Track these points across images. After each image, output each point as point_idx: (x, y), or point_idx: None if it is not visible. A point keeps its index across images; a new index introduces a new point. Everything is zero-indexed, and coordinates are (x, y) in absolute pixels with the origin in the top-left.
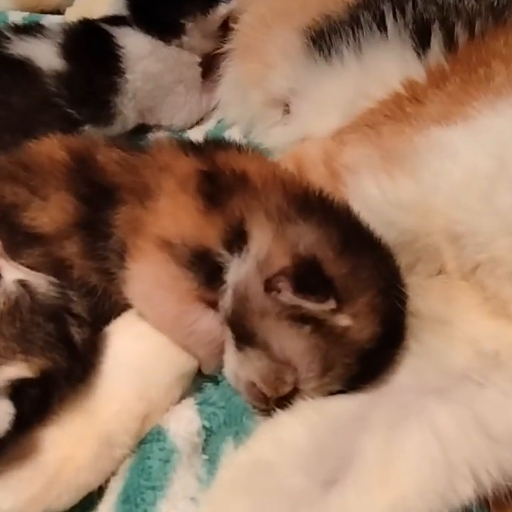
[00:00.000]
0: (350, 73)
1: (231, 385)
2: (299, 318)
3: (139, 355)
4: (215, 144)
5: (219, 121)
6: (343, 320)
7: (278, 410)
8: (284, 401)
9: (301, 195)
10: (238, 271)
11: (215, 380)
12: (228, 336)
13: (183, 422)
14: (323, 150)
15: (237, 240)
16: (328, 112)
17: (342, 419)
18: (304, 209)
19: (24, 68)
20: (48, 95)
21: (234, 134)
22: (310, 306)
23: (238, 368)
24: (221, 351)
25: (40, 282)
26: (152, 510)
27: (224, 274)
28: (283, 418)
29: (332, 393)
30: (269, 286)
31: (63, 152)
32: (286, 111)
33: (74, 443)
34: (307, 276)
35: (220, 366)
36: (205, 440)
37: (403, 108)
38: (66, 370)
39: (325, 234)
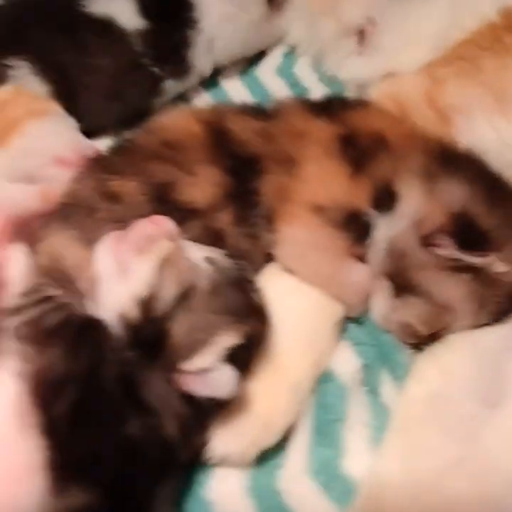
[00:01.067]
0: (440, 1)
1: (376, 325)
2: (458, 268)
3: (301, 309)
4: (341, 103)
5: (286, 54)
6: (501, 267)
7: (431, 344)
8: (434, 336)
9: (440, 150)
10: (389, 228)
11: (357, 320)
12: (382, 285)
13: (346, 362)
14: (424, 90)
15: (385, 200)
16: (415, 44)
17: (492, 349)
18: (447, 164)
19: (108, 28)
20: (134, 55)
21: (303, 67)
22: (472, 260)
23: (391, 311)
24: (367, 297)
25: (218, 256)
26: (338, 438)
27: (372, 231)
28: (443, 351)
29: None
30: (427, 242)
31: (198, 125)
32: (362, 40)
33: (273, 393)
34: (465, 231)
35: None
36: (364, 375)
37: (501, 39)
38: (260, 331)
39: (472, 188)
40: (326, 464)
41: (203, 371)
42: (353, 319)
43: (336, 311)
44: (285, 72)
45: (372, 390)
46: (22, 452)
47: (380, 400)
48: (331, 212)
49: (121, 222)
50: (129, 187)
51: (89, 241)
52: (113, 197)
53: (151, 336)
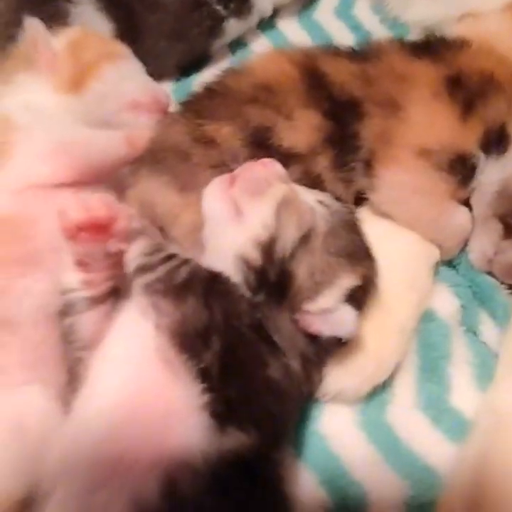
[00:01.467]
0: None
1: (470, 267)
2: None
3: (401, 253)
4: (443, 44)
5: None
6: None
7: None
8: None
9: None
10: (502, 170)
11: (450, 263)
12: (491, 227)
13: (445, 303)
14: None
15: (497, 142)
16: None
17: None
18: None
19: None
20: None
21: (363, 8)
22: None
23: (500, 253)
24: (465, 240)
25: (328, 199)
26: (444, 374)
27: (477, 174)
28: None
29: None
30: None
31: (293, 68)
32: None
33: (383, 333)
34: None
35: None
36: (462, 315)
37: None
38: (373, 273)
39: None
40: (435, 398)
41: (325, 312)
42: (446, 262)
43: (433, 253)
44: (344, 13)
45: (470, 329)
46: (179, 396)
47: (479, 339)
48: (437, 155)
49: (218, 168)
50: (224, 132)
51: (183, 187)
52: (208, 142)
53: (276, 278)
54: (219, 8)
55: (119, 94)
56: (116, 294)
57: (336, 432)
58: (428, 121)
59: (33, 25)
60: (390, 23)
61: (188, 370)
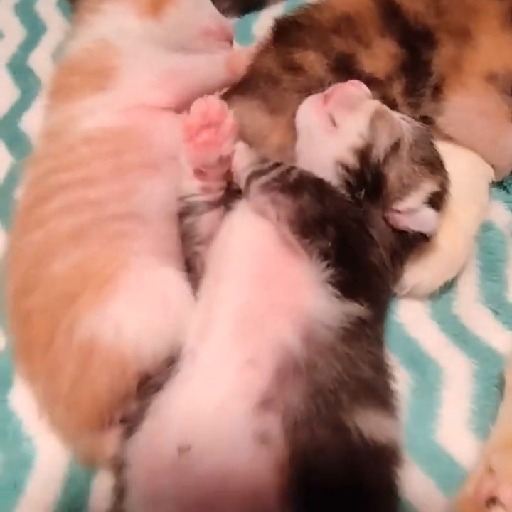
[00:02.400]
0: None
1: None
2: None
3: (464, 169)
4: None
5: None
6: None
7: None
8: None
9: None
10: None
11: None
12: None
13: (500, 216)
14: None
15: None
16: None
17: None
18: None
19: None
20: None
21: None
22: None
23: None
24: None
25: (408, 117)
26: (502, 274)
27: None
28: None
29: None
30: None
31: (369, 0)
32: None
33: (453, 236)
34: None
35: None
36: None
37: None
38: (447, 182)
39: None
40: (495, 294)
41: (412, 211)
42: (498, 184)
43: (488, 172)
44: None
45: None
46: (304, 272)
47: None
48: (502, 79)
49: (305, 92)
50: (311, 58)
51: (272, 111)
52: (296, 68)
53: (371, 180)
54: None
55: (193, 21)
56: (226, 201)
57: (412, 321)
58: (496, 48)
59: None
60: None
61: (310, 252)
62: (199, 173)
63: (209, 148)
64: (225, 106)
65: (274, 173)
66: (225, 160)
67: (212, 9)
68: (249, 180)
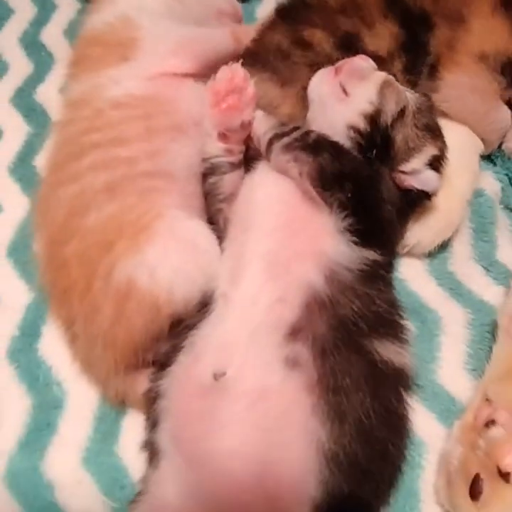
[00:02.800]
0: None
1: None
2: None
3: (458, 141)
4: None
5: None
6: None
7: None
8: None
9: None
10: None
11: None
12: None
13: (490, 184)
14: None
15: None
16: None
17: None
18: None
19: None
20: None
21: None
22: None
23: None
24: (503, 135)
25: (409, 89)
26: (492, 235)
27: None
28: None
29: None
30: None
31: None
32: None
33: (449, 200)
34: None
35: None
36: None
37: None
38: (445, 148)
39: None
40: (486, 253)
41: (416, 172)
42: (486, 157)
43: (479, 144)
44: None
45: (508, 207)
46: (325, 222)
47: None
48: (491, 59)
49: (314, 66)
50: (319, 36)
51: (283, 83)
52: (305, 44)
53: (380, 142)
54: None
55: (210, 2)
56: (246, 163)
57: (412, 277)
58: (487, 30)
59: None
60: None
61: (330, 204)
62: (223, 136)
63: (233, 113)
64: (247, 74)
65: (295, 135)
66: (247, 125)
67: None
68: (271, 141)
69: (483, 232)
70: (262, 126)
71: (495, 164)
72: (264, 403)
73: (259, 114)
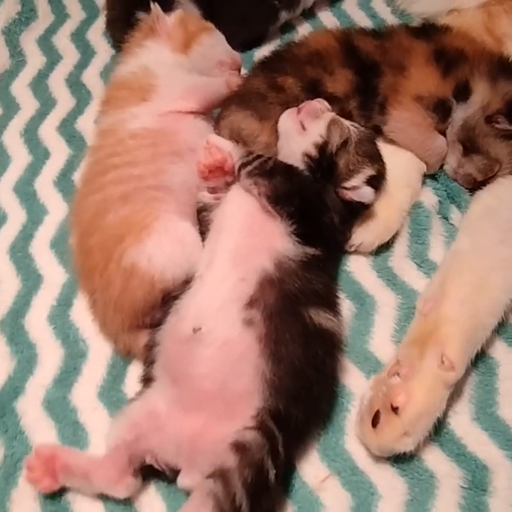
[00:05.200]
0: None
1: (446, 177)
2: (508, 136)
3: (401, 163)
4: (434, 28)
5: None
6: None
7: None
8: (485, 182)
9: (499, 61)
10: (465, 111)
11: (434, 176)
12: (455, 149)
13: (428, 198)
14: (481, 22)
15: (462, 93)
16: None
17: None
18: (504, 70)
19: None
20: None
21: (379, 2)
22: None
23: (459, 166)
24: (443, 159)
25: (356, 124)
26: (427, 238)
27: (451, 113)
28: (490, 190)
29: None
30: (490, 119)
31: (335, 41)
32: None
33: (388, 208)
34: None
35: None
36: (439, 207)
37: None
38: (383, 170)
39: None
40: (419, 252)
41: (355, 188)
42: (431, 176)
43: (421, 166)
44: (364, 6)
45: (444, 216)
46: (277, 227)
47: (449, 222)
48: (426, 100)
49: (285, 105)
50: (290, 81)
51: (262, 117)
52: (278, 88)
53: (327, 165)
54: (276, 2)
55: (212, 56)
56: None
57: (357, 270)
58: (421, 78)
59: (154, 8)
60: (398, 14)
61: (281, 215)
62: (212, 190)
63: (218, 179)
64: (223, 151)
65: (255, 164)
66: (229, 183)
67: (227, 46)
68: (240, 169)
69: (418, 237)
70: (234, 157)
71: (437, 181)
72: (227, 347)
73: (232, 147)
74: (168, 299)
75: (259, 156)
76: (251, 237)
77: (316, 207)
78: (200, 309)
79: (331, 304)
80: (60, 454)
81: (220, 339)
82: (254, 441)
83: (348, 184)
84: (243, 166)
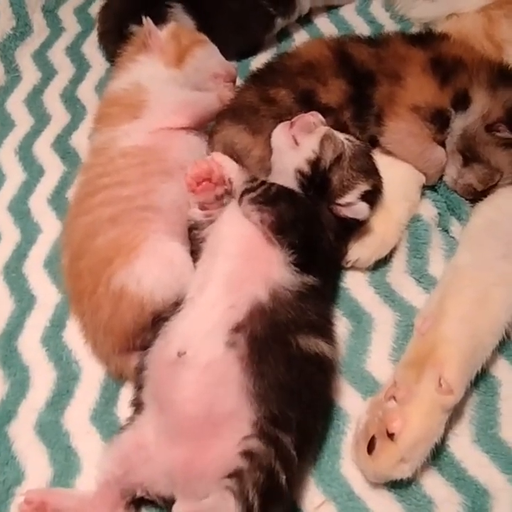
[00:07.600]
0: None
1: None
2: (509, 144)
3: (399, 175)
4: (431, 36)
5: None
6: None
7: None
8: (486, 192)
9: (499, 68)
10: (464, 120)
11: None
12: (455, 159)
13: (427, 210)
14: (481, 27)
15: (461, 102)
16: None
17: None
18: (503, 78)
19: None
20: None
21: (377, 8)
22: None
23: (459, 176)
24: (442, 170)
25: (351, 138)
26: (426, 253)
27: (450, 123)
28: (491, 202)
29: None
30: (490, 128)
31: (328, 50)
32: None
33: (385, 224)
34: None
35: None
36: (439, 220)
37: None
38: (379, 184)
39: None
40: (418, 267)
41: (350, 204)
42: (431, 187)
43: (420, 178)
44: (363, 11)
45: (444, 229)
46: (276, 255)
47: (449, 235)
48: (423, 110)
49: (277, 118)
50: (282, 93)
51: (254, 132)
52: (270, 101)
53: (320, 182)
54: (271, 9)
55: (206, 68)
56: None
57: (354, 286)
58: (418, 87)
59: (146, 22)
60: (397, 19)
61: (281, 243)
62: (202, 206)
63: (207, 193)
64: (211, 163)
65: (259, 190)
66: (220, 196)
67: (221, 58)
68: (243, 194)
69: (417, 251)
70: (238, 180)
71: (437, 192)
72: (210, 370)
73: (237, 169)
74: (158, 320)
75: (263, 183)
76: (248, 263)
77: (317, 234)
78: (188, 333)
79: (323, 332)
80: (49, 499)
81: (203, 362)
82: (259, 448)
83: (342, 201)
84: (247, 191)
